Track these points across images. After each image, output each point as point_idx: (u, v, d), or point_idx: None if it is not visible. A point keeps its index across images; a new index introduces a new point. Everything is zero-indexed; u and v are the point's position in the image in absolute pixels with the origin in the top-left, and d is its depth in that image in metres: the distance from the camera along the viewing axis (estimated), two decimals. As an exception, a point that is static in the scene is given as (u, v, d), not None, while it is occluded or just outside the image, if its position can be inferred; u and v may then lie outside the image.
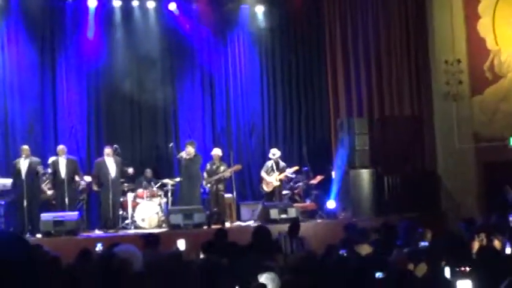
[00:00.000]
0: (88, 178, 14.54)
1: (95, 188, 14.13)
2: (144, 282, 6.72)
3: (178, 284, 6.77)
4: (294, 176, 15.68)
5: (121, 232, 13.69)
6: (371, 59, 16.56)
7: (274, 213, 13.81)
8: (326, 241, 10.11)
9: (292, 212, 13.88)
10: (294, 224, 10.51)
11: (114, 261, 6.96)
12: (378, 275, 6.28)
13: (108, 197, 13.79)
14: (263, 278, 5.81)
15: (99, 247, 9.16)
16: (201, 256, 8.63)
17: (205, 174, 14.90)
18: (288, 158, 16.36)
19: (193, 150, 14.62)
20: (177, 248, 8.89)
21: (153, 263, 7.51)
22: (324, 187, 15.87)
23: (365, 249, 8.39)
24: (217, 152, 15.20)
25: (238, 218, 15.44)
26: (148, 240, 8.94)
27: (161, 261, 7.28)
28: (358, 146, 15.48)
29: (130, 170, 14.59)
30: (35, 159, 13.66)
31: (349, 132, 15.61)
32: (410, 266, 7.09)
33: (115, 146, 14.57)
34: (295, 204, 14.76)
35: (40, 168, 13.53)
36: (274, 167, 15.14)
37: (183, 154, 14.59)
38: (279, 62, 17.53)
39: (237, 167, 15.24)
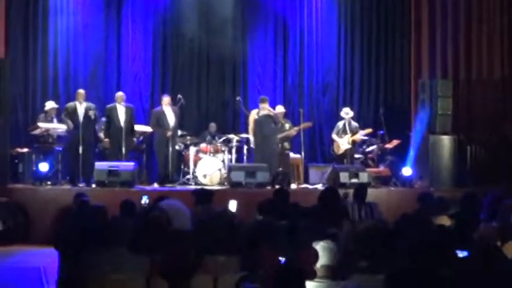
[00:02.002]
0: (147, 128, 13.85)
1: (169, 133, 13.23)
2: (187, 240, 5.88)
3: (226, 246, 5.93)
4: (367, 138, 14.67)
5: (179, 187, 12.95)
6: (460, 15, 15.10)
7: (344, 176, 12.82)
8: (399, 210, 9.16)
9: (364, 177, 12.86)
10: (359, 188, 9.45)
11: (155, 216, 6.19)
12: (462, 253, 5.24)
13: (166, 149, 13.07)
14: (318, 246, 4.88)
15: (144, 200, 8.40)
16: (258, 217, 7.77)
17: None
18: (363, 120, 15.34)
19: (268, 107, 13.72)
20: (228, 209, 8.05)
21: (202, 221, 6.71)
22: (400, 153, 14.78)
23: (444, 222, 7.35)
24: (280, 109, 14.29)
25: (306, 181, 14.51)
26: (200, 197, 8.13)
27: (210, 219, 6.44)
28: (441, 110, 14.24)
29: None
30: (90, 104, 13.01)
31: (431, 95, 14.36)
32: (499, 243, 6.05)
33: (179, 96, 13.91)
34: (368, 169, 13.70)
35: (92, 113, 12.84)
36: (347, 128, 14.19)
37: (261, 111, 13.68)
38: (358, 15, 16.22)
39: (307, 124, 14.33)
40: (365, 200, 9.04)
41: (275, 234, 5.74)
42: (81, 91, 13.11)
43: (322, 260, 4.82)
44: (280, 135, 13.87)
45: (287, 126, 14.12)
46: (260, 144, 13.68)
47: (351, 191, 9.81)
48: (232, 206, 8.48)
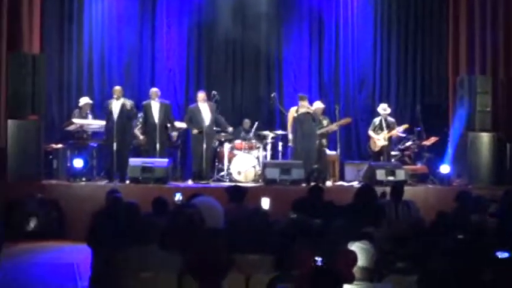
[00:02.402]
0: (183, 125, 13.76)
1: (194, 131, 13.19)
2: (220, 238, 5.76)
3: (259, 245, 5.80)
4: (404, 135, 14.44)
5: (213, 184, 12.84)
6: (499, 9, 14.74)
7: (380, 174, 12.59)
8: (437, 209, 9.02)
9: (400, 175, 12.61)
10: (396, 186, 9.22)
11: (187, 214, 6.07)
12: (502, 255, 5.03)
13: (201, 145, 12.93)
14: (354, 247, 4.72)
15: (178, 197, 8.28)
16: (292, 215, 7.65)
17: None
18: (399, 117, 15.09)
19: (307, 104, 13.55)
20: (261, 207, 7.89)
21: (235, 219, 6.60)
22: (438, 150, 14.55)
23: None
24: (319, 105, 14.06)
25: (342, 178, 14.33)
26: (233, 194, 7.99)
27: (244, 218, 6.32)
28: (479, 107, 13.98)
29: (230, 129, 13.68)
30: (128, 101, 12.91)
31: (469, 91, 14.08)
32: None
33: (213, 92, 13.81)
34: (405, 167, 13.46)
35: (129, 104, 12.67)
36: (384, 124, 13.97)
37: (300, 109, 13.51)
38: (395, 10, 16.05)
39: (346, 120, 14.19)
40: (402, 198, 8.83)
41: (310, 233, 5.60)
42: (117, 88, 12.92)
43: (359, 262, 4.67)
44: (318, 132, 13.70)
45: (325, 122, 13.93)
46: (299, 142, 13.49)
47: (388, 189, 9.60)
48: (265, 203, 8.32)
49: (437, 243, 5.67)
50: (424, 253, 5.39)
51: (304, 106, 13.41)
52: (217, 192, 9.75)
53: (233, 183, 11.74)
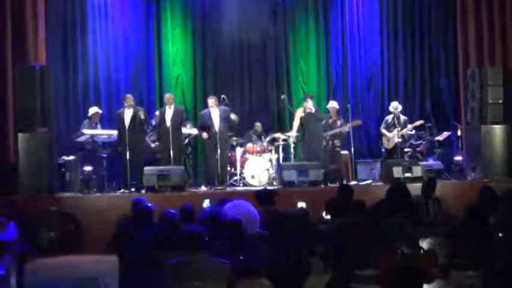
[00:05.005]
0: (193, 131, 13.57)
1: (204, 136, 13.01)
2: (263, 245, 5.59)
3: (305, 248, 5.62)
4: (413, 133, 14.27)
5: (229, 189, 12.65)
6: (506, 1, 14.61)
7: (397, 171, 12.49)
8: (456, 203, 8.92)
9: (417, 171, 12.53)
10: (430, 182, 9.06)
11: (226, 221, 5.90)
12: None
13: (215, 151, 12.75)
14: (426, 243, 4.58)
15: (206, 204, 8.10)
16: (325, 216, 7.50)
17: None
18: (409, 113, 14.95)
19: (312, 104, 13.39)
20: (301, 207, 7.69)
21: (273, 222, 6.42)
22: (450, 144, 14.40)
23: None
24: (333, 104, 14.02)
25: (355, 177, 14.19)
26: (265, 198, 7.81)
27: (284, 220, 6.15)
28: (491, 99, 13.84)
29: (234, 117, 13.25)
30: (139, 108, 12.72)
31: (481, 84, 13.96)
32: None
33: (223, 96, 13.66)
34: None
35: (142, 113, 12.48)
36: (396, 122, 13.85)
37: (302, 109, 13.39)
38: (400, 5, 15.92)
39: (357, 122, 14.03)
40: (434, 194, 8.69)
41: (359, 233, 5.43)
42: (129, 96, 12.73)
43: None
44: (330, 132, 13.61)
45: (339, 123, 13.81)
46: (305, 143, 13.44)
47: None
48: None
49: (488, 239, 5.53)
50: (478, 248, 5.25)
51: (307, 107, 13.30)
52: (234, 196, 9.54)
53: (250, 187, 11.62)
